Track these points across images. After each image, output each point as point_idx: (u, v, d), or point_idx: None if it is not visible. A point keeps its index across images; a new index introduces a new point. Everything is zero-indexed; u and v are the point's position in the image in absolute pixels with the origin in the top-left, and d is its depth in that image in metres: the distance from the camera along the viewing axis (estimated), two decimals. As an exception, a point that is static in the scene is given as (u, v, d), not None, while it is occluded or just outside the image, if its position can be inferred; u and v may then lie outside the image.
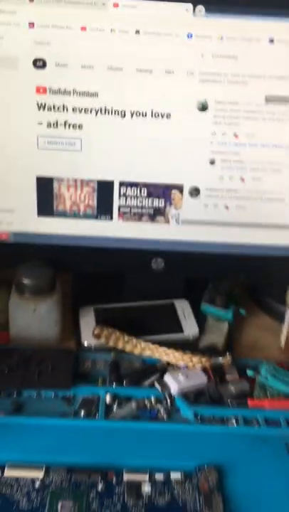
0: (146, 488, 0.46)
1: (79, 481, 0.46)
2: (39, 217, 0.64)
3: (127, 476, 0.47)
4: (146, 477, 0.47)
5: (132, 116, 0.59)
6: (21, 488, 0.46)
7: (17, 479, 0.46)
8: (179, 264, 0.66)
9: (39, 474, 0.47)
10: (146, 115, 0.59)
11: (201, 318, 0.68)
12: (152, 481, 0.47)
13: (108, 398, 0.55)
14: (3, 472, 0.47)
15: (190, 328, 0.66)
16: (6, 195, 0.63)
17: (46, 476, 0.47)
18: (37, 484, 0.46)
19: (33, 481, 0.46)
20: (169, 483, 0.47)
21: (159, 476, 0.47)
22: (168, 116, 0.59)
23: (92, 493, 0.45)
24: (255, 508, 0.45)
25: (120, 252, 0.65)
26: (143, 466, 0.48)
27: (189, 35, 0.55)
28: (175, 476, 0.47)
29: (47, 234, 0.65)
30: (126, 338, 0.62)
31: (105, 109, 0.58)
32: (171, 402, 0.55)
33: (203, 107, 0.58)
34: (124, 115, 0.59)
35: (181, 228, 0.65)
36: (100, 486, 0.46)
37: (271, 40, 0.56)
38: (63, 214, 0.64)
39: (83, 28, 0.55)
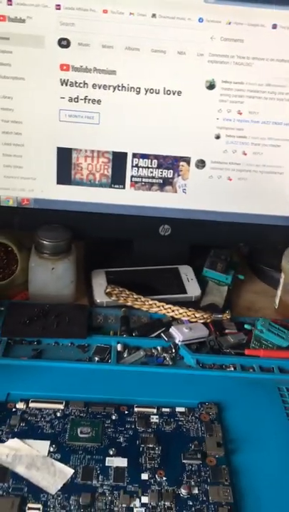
0: (155, 419, 0.53)
1: (95, 412, 0.53)
2: (58, 185, 0.70)
3: (137, 409, 0.53)
4: (155, 410, 0.53)
5: (146, 92, 0.64)
6: (44, 417, 0.52)
7: (40, 410, 0.53)
8: (184, 232, 0.72)
9: (60, 406, 0.53)
10: (159, 92, 0.64)
11: (202, 283, 0.74)
12: (160, 413, 0.53)
13: (119, 347, 0.62)
14: (27, 405, 0.53)
15: (193, 289, 0.72)
16: (29, 164, 0.68)
17: (66, 408, 0.53)
18: (58, 414, 0.52)
19: (54, 411, 0.53)
20: (175, 415, 0.53)
21: (166, 410, 0.54)
22: (179, 93, 0.64)
23: (107, 421, 0.52)
24: (249, 438, 0.52)
25: (131, 218, 0.71)
26: (151, 403, 0.54)
27: (200, 20, 0.61)
28: (180, 409, 0.54)
29: (65, 201, 0.70)
30: (135, 296, 0.68)
31: (122, 86, 0.64)
32: (175, 350, 0.62)
33: (211, 86, 0.64)
34: (139, 92, 0.64)
35: (187, 197, 0.70)
36: (113, 416, 0.52)
37: (274, 26, 0.62)
38: (80, 182, 0.69)
39: (105, 11, 0.61)
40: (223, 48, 0.62)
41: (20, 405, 0.53)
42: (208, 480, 0.47)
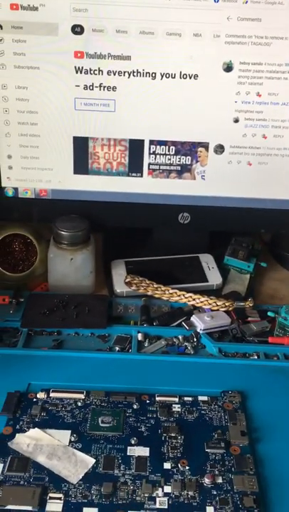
0: (177, 408, 0.52)
1: (116, 401, 0.52)
2: (75, 175, 0.69)
3: (159, 398, 0.52)
4: (177, 399, 0.53)
5: (161, 77, 0.63)
6: (65, 407, 0.52)
7: (61, 399, 0.52)
8: (204, 219, 0.71)
9: (80, 396, 0.53)
10: (175, 76, 0.63)
11: (224, 271, 0.73)
12: (182, 402, 0.53)
13: (140, 336, 0.61)
14: (48, 394, 0.53)
15: (214, 278, 0.70)
16: (45, 155, 0.68)
17: (87, 397, 0.53)
18: (79, 403, 0.52)
19: (75, 401, 0.52)
20: (197, 404, 0.52)
21: (188, 399, 0.53)
22: (195, 77, 0.63)
23: (129, 410, 0.51)
24: (274, 427, 0.50)
25: (149, 207, 0.70)
26: (173, 392, 0.53)
27: (216, 0, 0.60)
28: (202, 398, 0.53)
29: (82, 191, 0.70)
30: (155, 285, 0.67)
31: (137, 72, 0.63)
32: (197, 339, 0.61)
33: (229, 68, 0.62)
34: (155, 77, 0.63)
35: (206, 184, 0.69)
36: (135, 406, 0.52)
37: (293, 4, 0.60)
38: (97, 172, 0.69)
39: (118, -5, 0.60)
40: (240, 29, 0.61)
41: (41, 395, 0.52)
42: (233, 469, 0.46)
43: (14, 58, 0.63)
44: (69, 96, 0.64)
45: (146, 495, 0.43)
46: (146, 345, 0.60)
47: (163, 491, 0.44)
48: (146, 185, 0.69)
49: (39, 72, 0.63)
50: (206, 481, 0.45)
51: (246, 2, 0.59)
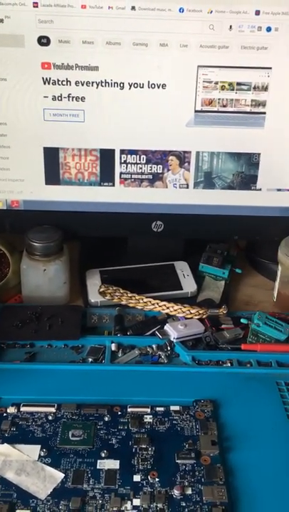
0: (148, 419, 0.51)
1: (88, 414, 0.52)
2: (47, 186, 0.69)
3: (130, 409, 0.52)
4: (148, 410, 0.52)
5: (130, 87, 0.63)
6: (36, 421, 0.51)
7: (32, 413, 0.52)
8: (178, 227, 0.71)
9: (51, 409, 0.52)
10: (143, 86, 0.63)
11: (199, 278, 0.73)
12: (153, 412, 0.52)
13: (113, 346, 0.61)
14: (19, 409, 0.52)
15: (189, 285, 0.70)
16: (16, 166, 0.68)
17: (58, 411, 0.52)
18: (50, 417, 0.51)
19: (46, 414, 0.52)
20: (169, 414, 0.52)
21: (160, 409, 0.52)
22: (164, 86, 0.63)
23: (100, 423, 0.51)
24: (246, 435, 0.50)
25: (123, 216, 0.70)
26: (145, 402, 0.53)
27: (181, 10, 0.60)
28: (174, 408, 0.52)
29: (54, 201, 0.69)
30: (129, 294, 0.67)
31: (105, 82, 0.63)
32: (171, 348, 0.61)
33: (195, 77, 0.63)
34: (123, 87, 0.63)
35: (178, 192, 0.69)
36: (106, 418, 0.51)
37: (257, 12, 0.60)
38: (69, 182, 0.69)
39: (83, 6, 0.60)
40: (206, 38, 0.62)
41: (12, 410, 0.52)
42: (202, 480, 0.45)
43: (-18, 70, 0.63)
44: (38, 107, 0.64)
45: (114, 509, 0.43)
46: (119, 355, 0.60)
47: (132, 504, 0.43)
48: (118, 195, 0.69)
49: (7, 83, 0.63)
50: (176, 492, 0.44)
51: (211, 12, 0.60)
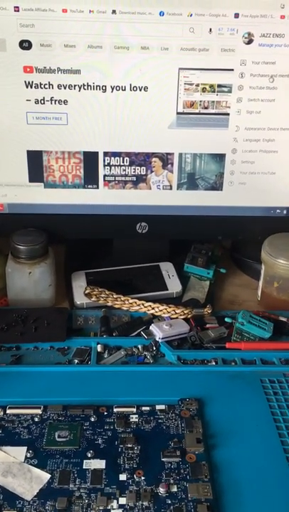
0: (134, 418, 0.52)
1: (74, 415, 0.52)
2: (31, 189, 0.69)
3: (116, 410, 0.52)
4: (134, 409, 0.53)
5: (112, 90, 0.64)
6: (22, 423, 0.51)
7: (18, 415, 0.52)
8: (162, 228, 0.72)
9: (37, 411, 0.52)
10: (125, 89, 0.64)
11: (184, 278, 0.73)
12: (139, 412, 0.52)
13: (99, 347, 0.61)
14: (5, 411, 0.52)
15: (174, 286, 0.71)
16: (0, 169, 0.67)
17: (44, 412, 0.52)
18: (36, 419, 0.52)
19: (32, 416, 0.52)
20: (155, 413, 0.52)
21: (146, 408, 0.53)
22: (145, 89, 0.64)
23: (86, 423, 0.51)
24: (231, 433, 0.50)
25: (107, 218, 0.71)
26: (131, 402, 0.53)
27: (161, 13, 0.60)
28: (160, 407, 0.53)
29: (39, 204, 0.70)
30: (115, 295, 0.67)
31: (88, 85, 0.63)
32: (156, 348, 0.61)
33: (176, 80, 0.64)
34: (105, 90, 0.64)
35: (162, 194, 0.70)
36: (92, 418, 0.51)
37: (236, 15, 0.61)
38: (53, 185, 0.69)
39: (64, 10, 0.60)
40: (186, 41, 0.62)
41: (-3, 412, 0.53)
42: (188, 477, 0.46)
43: None
44: (20, 110, 0.64)
45: (101, 508, 0.43)
46: (105, 356, 0.60)
47: (118, 502, 0.44)
48: (102, 197, 0.70)
49: (-11, 87, 0.64)
50: (161, 490, 0.45)
51: (191, 15, 0.61)
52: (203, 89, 0.65)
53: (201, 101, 0.65)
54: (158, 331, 0.62)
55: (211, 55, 0.63)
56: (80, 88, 0.64)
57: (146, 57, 0.62)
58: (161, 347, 0.61)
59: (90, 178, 0.68)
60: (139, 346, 0.61)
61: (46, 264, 0.68)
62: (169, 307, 0.65)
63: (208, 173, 0.69)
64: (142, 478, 0.46)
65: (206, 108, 0.65)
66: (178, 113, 0.65)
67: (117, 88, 0.64)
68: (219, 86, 0.64)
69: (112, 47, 0.62)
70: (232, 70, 0.63)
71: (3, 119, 0.65)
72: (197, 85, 0.64)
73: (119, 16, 0.60)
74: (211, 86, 0.64)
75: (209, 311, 0.65)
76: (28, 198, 0.69)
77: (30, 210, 0.70)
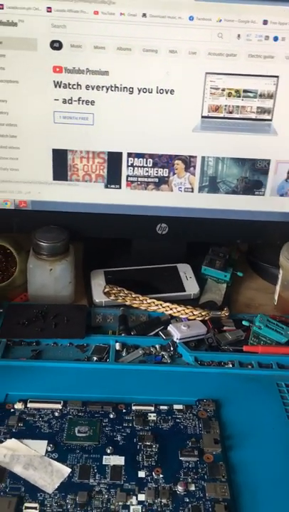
0: (152, 417, 0.53)
1: (93, 411, 0.53)
2: (54, 187, 0.70)
3: (135, 408, 0.53)
4: (152, 408, 0.54)
5: (139, 92, 0.64)
6: (42, 417, 0.52)
7: (38, 410, 0.53)
8: (182, 230, 0.72)
9: (58, 406, 0.53)
10: (152, 91, 0.64)
11: (201, 280, 0.74)
12: (157, 411, 0.53)
13: (118, 346, 0.62)
14: (25, 405, 0.53)
15: (191, 287, 0.72)
16: (25, 167, 0.69)
17: (64, 407, 0.53)
18: (56, 413, 0.53)
19: (52, 411, 0.53)
20: (172, 412, 0.53)
21: (164, 407, 0.54)
22: (172, 92, 0.65)
23: (105, 420, 0.52)
24: (247, 434, 0.51)
25: (128, 218, 0.71)
26: (149, 401, 0.54)
27: (191, 18, 0.61)
28: (177, 407, 0.54)
29: (62, 202, 0.71)
30: (133, 295, 0.68)
31: (115, 86, 0.64)
32: (174, 348, 0.62)
33: (202, 84, 0.64)
34: (132, 92, 0.64)
35: (183, 196, 0.70)
36: (111, 415, 0.52)
37: (265, 22, 0.62)
38: (76, 184, 0.70)
39: (96, 12, 0.61)
40: (214, 46, 0.63)
41: (19, 406, 0.53)
42: (205, 477, 0.47)
43: (-7, 72, 0.65)
44: (48, 109, 0.65)
45: (120, 503, 0.44)
46: (123, 354, 0.61)
47: (137, 499, 0.45)
48: (124, 197, 0.70)
49: (18, 85, 0.64)
50: (179, 488, 0.46)
51: (220, 21, 0.61)
52: (229, 94, 0.65)
53: (226, 105, 0.66)
54: (176, 332, 0.63)
55: (239, 61, 0.63)
56: (107, 89, 0.64)
57: (174, 60, 0.63)
58: (179, 347, 0.62)
59: (113, 178, 0.69)
60: (157, 346, 0.62)
61: (67, 262, 0.69)
62: (187, 308, 0.66)
63: (230, 177, 0.70)
64: (161, 476, 0.47)
65: (230, 113, 0.66)
66: (203, 117, 0.66)
67: (144, 90, 0.64)
68: (245, 91, 0.65)
69: (140, 49, 0.63)
70: (259, 76, 0.64)
71: (31, 117, 0.66)
72: (223, 90, 0.65)
73: (149, 20, 0.61)
74: (237, 91, 0.65)
75: (227, 314, 0.66)
76: (51, 196, 0.70)
77: (53, 208, 0.71)
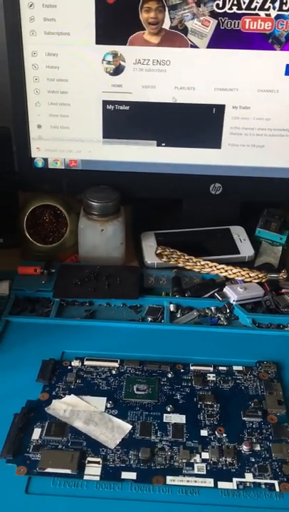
0: (212, 377, 0.51)
1: (151, 370, 0.52)
2: (105, 145, 0.68)
3: (193, 368, 0.52)
4: (211, 369, 0.52)
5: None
6: (100, 374, 0.52)
7: (96, 367, 0.52)
8: (236, 189, 0.70)
9: (115, 364, 0.53)
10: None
11: (255, 244, 0.71)
12: (216, 371, 0.52)
13: (172, 307, 0.61)
14: (82, 363, 0.53)
15: (246, 250, 0.69)
16: (75, 125, 0.67)
17: (121, 366, 0.53)
18: (113, 371, 0.52)
19: (109, 369, 0.52)
20: (232, 373, 0.52)
21: (223, 368, 0.53)
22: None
23: (163, 379, 0.51)
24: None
25: (180, 177, 0.69)
26: (208, 361, 0.53)
27: None
28: (237, 368, 0.52)
29: (112, 161, 0.69)
30: (186, 256, 0.67)
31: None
32: (230, 310, 0.60)
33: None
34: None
35: (238, 154, 0.68)
36: (169, 375, 0.51)
37: None
38: (127, 142, 0.68)
39: None
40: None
41: (76, 363, 0.53)
42: (271, 437, 0.46)
43: (44, 24, 0.61)
44: (100, 63, 0.64)
45: (184, 461, 0.43)
46: (178, 316, 0.60)
47: (201, 457, 0.44)
48: (176, 156, 0.68)
49: (69, 38, 0.62)
50: (244, 448, 0.44)
51: None
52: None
53: None
54: (233, 293, 0.61)
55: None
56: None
57: None
58: (235, 309, 0.60)
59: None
60: (212, 308, 0.61)
61: (118, 222, 0.67)
62: (243, 270, 0.64)
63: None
64: (224, 435, 0.46)
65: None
66: None
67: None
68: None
69: None
70: None
71: (82, 71, 0.63)
72: None
73: None
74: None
75: (284, 276, 0.63)
76: (102, 155, 0.68)
77: (103, 167, 0.69)
